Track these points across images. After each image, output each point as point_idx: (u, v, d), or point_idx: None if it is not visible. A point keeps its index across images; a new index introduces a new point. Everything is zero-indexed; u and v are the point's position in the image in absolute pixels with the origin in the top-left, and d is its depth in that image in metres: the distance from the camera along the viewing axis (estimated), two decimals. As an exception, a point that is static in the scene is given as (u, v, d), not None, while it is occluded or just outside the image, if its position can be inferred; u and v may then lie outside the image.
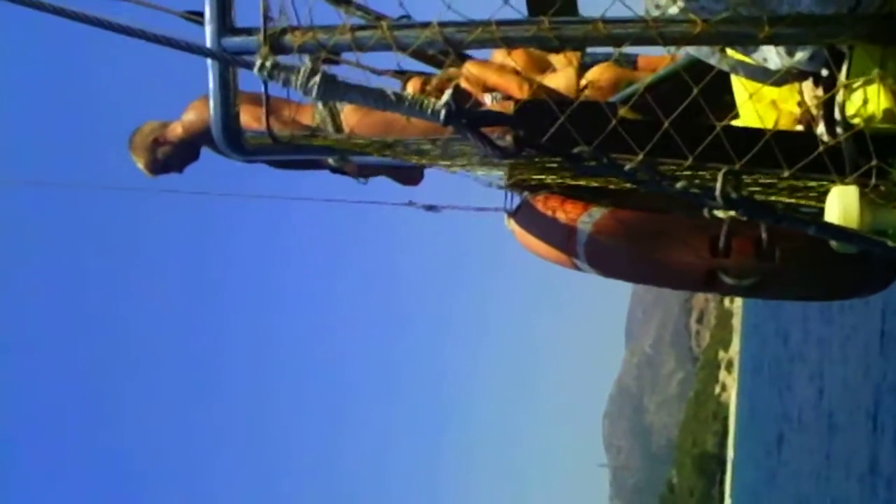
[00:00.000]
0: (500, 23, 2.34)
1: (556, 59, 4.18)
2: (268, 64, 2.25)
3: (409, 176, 4.17)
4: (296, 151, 2.98)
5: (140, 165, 4.39)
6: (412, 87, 3.91)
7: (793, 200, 2.52)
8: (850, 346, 19.22)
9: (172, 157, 4.37)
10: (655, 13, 2.47)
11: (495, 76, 3.93)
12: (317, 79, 2.23)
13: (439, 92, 3.67)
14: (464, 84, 3.95)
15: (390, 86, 2.42)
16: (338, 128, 3.93)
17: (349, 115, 3.96)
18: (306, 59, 2.38)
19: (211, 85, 2.64)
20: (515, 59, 3.99)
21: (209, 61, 2.55)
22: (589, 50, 4.18)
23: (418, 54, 4.25)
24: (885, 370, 15.39)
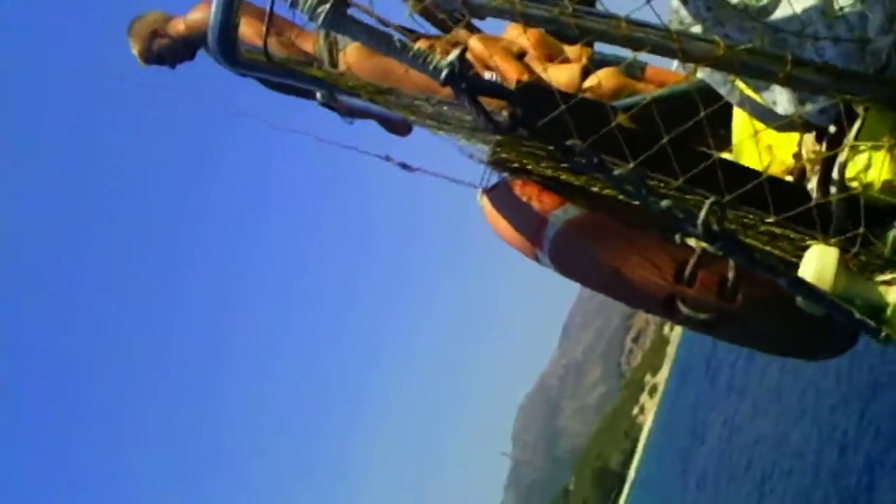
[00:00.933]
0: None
1: (568, 51, 4.11)
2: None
3: (398, 126, 4.10)
4: (287, 76, 2.88)
5: (134, 51, 4.32)
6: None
7: (768, 248, 2.46)
8: (770, 402, 19.54)
9: (168, 51, 4.29)
10: (677, 27, 2.41)
11: (499, 56, 3.86)
12: (326, 7, 2.15)
13: (444, 54, 3.60)
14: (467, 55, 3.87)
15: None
16: (333, 63, 3.84)
17: (350, 53, 3.87)
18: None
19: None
20: (529, 36, 3.92)
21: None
22: (598, 47, 4.11)
23: (429, 14, 4.16)
24: (800, 431, 15.64)
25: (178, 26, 4.25)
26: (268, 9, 2.73)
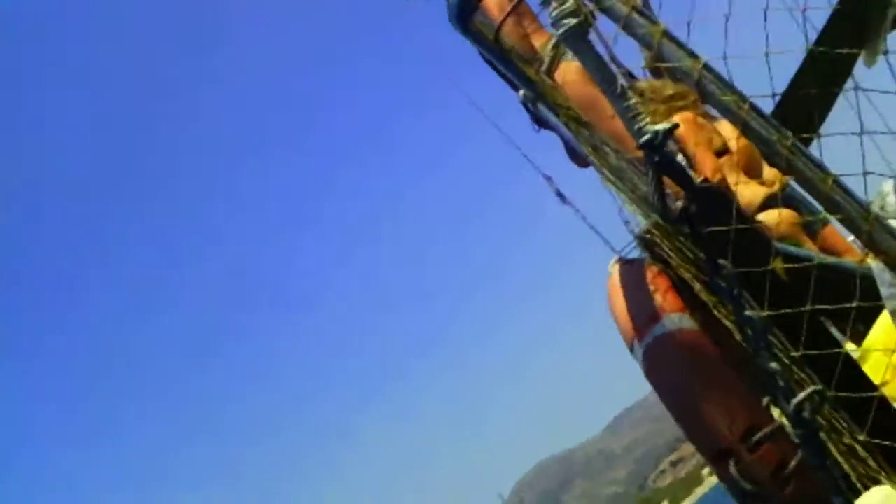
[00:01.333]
0: (752, 107, 2.22)
1: (767, 170, 4.02)
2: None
3: (578, 154, 4.06)
4: (504, 63, 2.87)
5: None
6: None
7: (842, 460, 2.38)
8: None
9: None
10: (877, 211, 2.34)
11: (702, 146, 3.79)
12: (573, 21, 2.15)
13: (655, 117, 3.55)
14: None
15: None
16: (551, 70, 3.82)
17: (571, 70, 3.82)
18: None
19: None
20: (739, 140, 3.85)
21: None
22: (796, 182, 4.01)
23: (658, 73, 4.12)
24: None
25: None
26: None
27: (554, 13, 2.16)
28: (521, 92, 3.58)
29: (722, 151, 4.02)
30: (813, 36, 2.91)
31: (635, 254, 3.00)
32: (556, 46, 3.79)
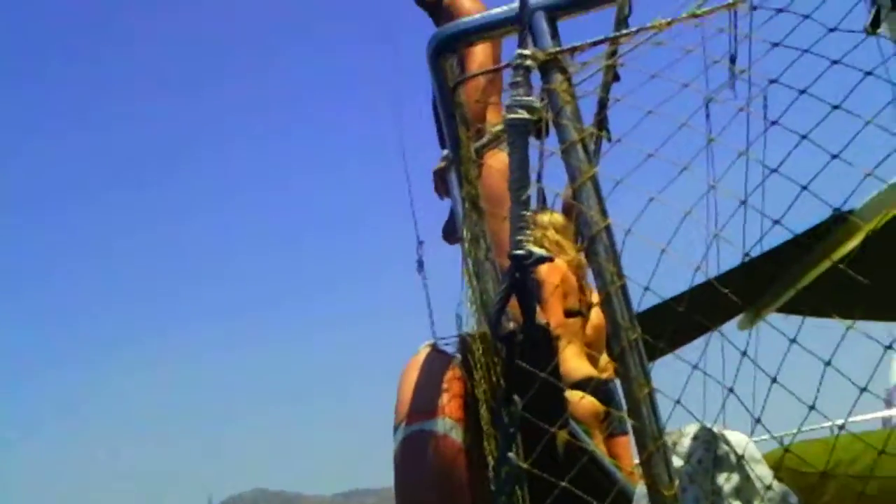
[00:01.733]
0: (622, 287, 2.23)
1: (605, 357, 4.10)
2: (529, 62, 2.16)
3: (452, 232, 4.07)
4: (448, 117, 2.82)
5: None
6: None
7: None
8: None
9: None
10: (668, 441, 2.38)
11: (557, 296, 3.83)
12: (524, 116, 2.15)
13: (540, 241, 3.57)
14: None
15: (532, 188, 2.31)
16: (481, 147, 3.83)
17: (497, 158, 3.83)
18: (541, 98, 2.26)
19: (493, 10, 2.56)
20: (595, 319, 3.92)
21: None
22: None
23: (568, 210, 4.19)
24: None
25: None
26: (500, 66, 2.70)
27: (514, 98, 2.14)
28: (445, 152, 3.57)
29: (574, 313, 4.07)
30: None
31: (450, 349, 2.98)
32: (503, 130, 3.80)
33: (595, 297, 4.10)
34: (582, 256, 4.09)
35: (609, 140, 4.89)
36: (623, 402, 2.35)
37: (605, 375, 4.20)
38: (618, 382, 3.94)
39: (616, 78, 4.04)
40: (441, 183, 3.99)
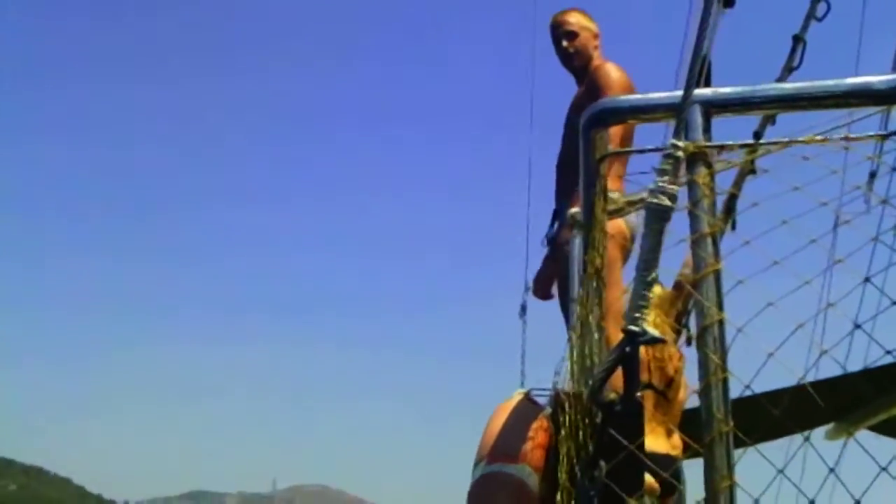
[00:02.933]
0: (724, 381, 2.31)
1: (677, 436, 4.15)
2: (679, 153, 2.27)
3: (546, 288, 4.18)
4: (587, 184, 2.92)
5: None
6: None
7: None
8: None
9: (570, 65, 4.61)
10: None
11: (666, 383, 3.88)
12: (666, 202, 2.24)
13: (660, 325, 3.66)
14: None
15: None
16: (604, 212, 3.94)
17: (615, 226, 3.93)
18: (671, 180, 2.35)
19: (651, 94, 2.66)
20: (680, 396, 3.96)
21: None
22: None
23: (680, 287, 4.25)
24: None
25: (600, 60, 4.46)
26: (628, 139, 2.77)
27: (658, 184, 2.24)
28: (574, 211, 3.68)
29: (646, 386, 4.13)
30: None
31: (542, 400, 3.09)
32: (632, 203, 3.90)
33: (674, 369, 4.17)
34: (668, 328, 4.16)
35: (734, 229, 4.96)
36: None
37: (674, 453, 4.24)
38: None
39: (753, 171, 4.11)
40: (554, 236, 4.11)
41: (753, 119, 4.50)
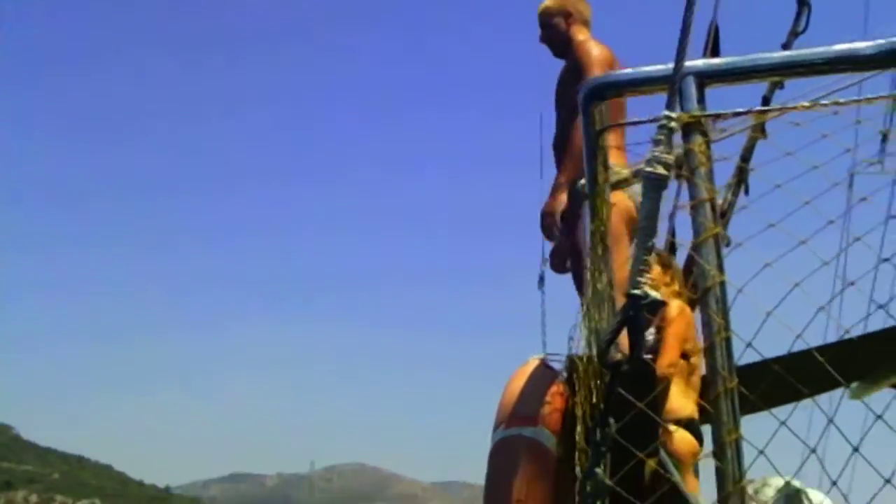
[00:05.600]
0: (727, 340, 2.41)
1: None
2: (673, 124, 2.37)
3: (561, 260, 4.30)
4: (589, 151, 3.02)
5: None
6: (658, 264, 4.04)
7: None
8: None
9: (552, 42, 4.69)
10: (748, 488, 2.56)
11: (678, 337, 3.97)
12: (661, 170, 2.35)
13: (660, 285, 3.75)
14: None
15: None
16: (606, 181, 4.02)
17: (618, 198, 3.99)
18: (670, 150, 2.44)
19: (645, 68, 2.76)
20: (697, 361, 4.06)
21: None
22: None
23: (687, 270, 4.36)
24: None
25: (581, 36, 4.56)
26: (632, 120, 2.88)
27: (655, 153, 2.35)
28: (582, 182, 3.78)
29: (688, 355, 4.23)
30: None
31: (557, 366, 3.21)
32: (634, 175, 3.99)
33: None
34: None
35: (747, 194, 5.06)
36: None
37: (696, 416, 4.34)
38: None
39: (764, 134, 4.19)
40: (549, 222, 4.22)
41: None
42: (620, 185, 3.69)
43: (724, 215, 5.44)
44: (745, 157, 4.54)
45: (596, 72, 4.23)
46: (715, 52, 5.48)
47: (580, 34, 4.54)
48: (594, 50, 4.36)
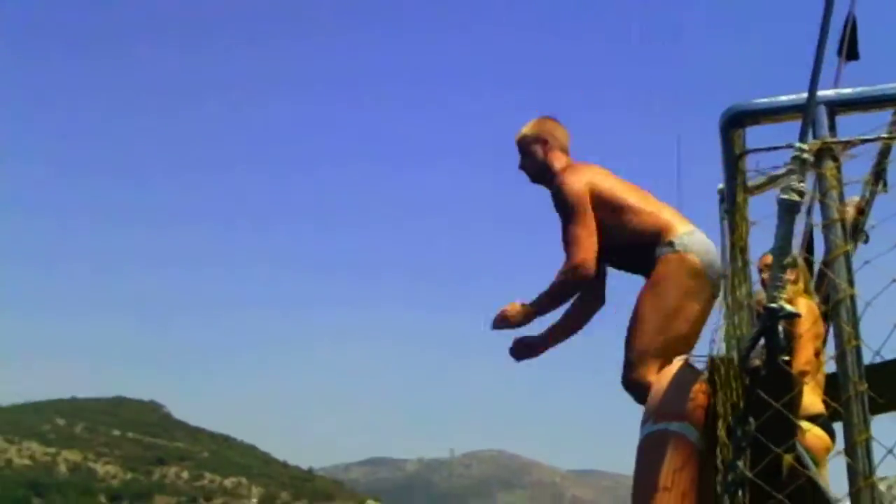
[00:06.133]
0: (857, 349, 2.65)
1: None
2: (805, 155, 2.63)
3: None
4: (729, 173, 3.25)
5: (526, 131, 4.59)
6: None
7: None
8: None
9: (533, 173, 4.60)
10: (880, 485, 2.79)
11: (810, 340, 4.18)
12: (794, 197, 2.61)
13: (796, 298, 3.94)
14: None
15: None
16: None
17: (678, 262, 4.08)
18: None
19: (781, 97, 3.01)
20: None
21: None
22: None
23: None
24: None
25: (558, 164, 4.47)
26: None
27: (791, 182, 2.61)
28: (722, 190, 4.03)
29: (818, 353, 4.45)
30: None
31: (699, 366, 3.49)
32: (773, 179, 4.19)
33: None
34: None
35: (886, 191, 5.21)
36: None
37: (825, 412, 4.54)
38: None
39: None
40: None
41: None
42: (758, 189, 3.95)
43: (862, 212, 5.60)
44: (881, 159, 4.69)
45: (570, 210, 4.21)
46: (852, 54, 5.59)
47: (557, 162, 4.45)
48: (568, 198, 4.25)
